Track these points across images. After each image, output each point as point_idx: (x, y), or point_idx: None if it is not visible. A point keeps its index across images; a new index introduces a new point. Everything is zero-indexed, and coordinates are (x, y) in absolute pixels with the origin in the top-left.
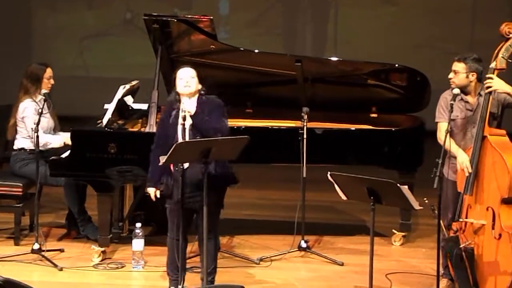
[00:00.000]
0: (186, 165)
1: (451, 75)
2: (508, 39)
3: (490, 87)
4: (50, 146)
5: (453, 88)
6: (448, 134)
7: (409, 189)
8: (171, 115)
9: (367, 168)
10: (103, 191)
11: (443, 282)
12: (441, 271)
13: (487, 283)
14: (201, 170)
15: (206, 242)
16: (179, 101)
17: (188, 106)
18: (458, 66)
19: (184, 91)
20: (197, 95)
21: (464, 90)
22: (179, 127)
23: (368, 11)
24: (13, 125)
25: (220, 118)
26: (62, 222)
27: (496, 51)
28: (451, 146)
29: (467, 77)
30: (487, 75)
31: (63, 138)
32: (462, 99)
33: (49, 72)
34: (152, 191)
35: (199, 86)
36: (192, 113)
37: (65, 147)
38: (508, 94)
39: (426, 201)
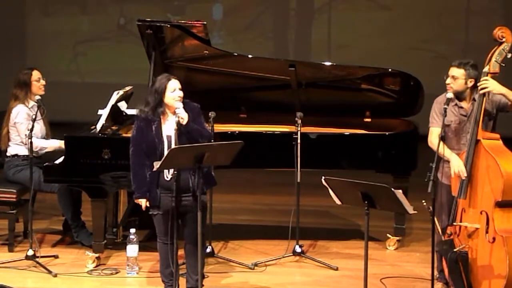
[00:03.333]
0: (171, 171)
1: (448, 81)
2: (501, 43)
3: (485, 87)
4: (45, 151)
5: (447, 93)
6: (440, 138)
7: (403, 193)
8: (153, 123)
9: (361, 173)
10: (97, 197)
11: (438, 286)
12: (436, 274)
13: (481, 286)
14: (187, 175)
15: (199, 247)
16: (163, 112)
17: (183, 113)
18: (458, 72)
19: (175, 105)
20: None
21: (459, 96)
22: (168, 135)
23: (361, 15)
24: (6, 134)
25: (203, 124)
26: (56, 228)
27: (489, 55)
28: (444, 151)
29: (465, 83)
30: (482, 78)
31: (59, 142)
32: (456, 104)
33: (36, 74)
34: (143, 202)
35: None
36: (186, 120)
37: (59, 153)
38: (503, 95)
39: (424, 203)
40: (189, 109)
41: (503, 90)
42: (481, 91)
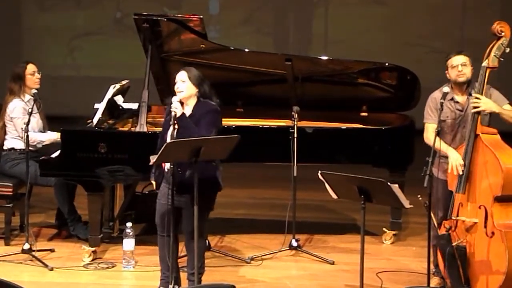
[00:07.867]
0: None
1: (460, 68)
2: (500, 37)
3: (476, 107)
4: (43, 144)
5: (443, 88)
6: (437, 133)
7: (399, 187)
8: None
9: (357, 167)
10: (93, 191)
11: (435, 280)
12: (432, 269)
13: (479, 281)
14: (188, 170)
15: (195, 242)
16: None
17: (175, 106)
18: (466, 59)
19: (177, 95)
20: (195, 99)
21: (465, 84)
22: (170, 128)
23: (358, 10)
24: (2, 128)
25: (208, 125)
26: (53, 222)
27: (488, 49)
28: (441, 145)
29: (471, 69)
30: (474, 95)
31: (56, 135)
32: (452, 99)
33: (30, 68)
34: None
35: (194, 90)
36: (178, 113)
37: (55, 147)
38: (495, 113)
39: (420, 198)
40: (201, 106)
41: (495, 109)
42: (473, 110)
